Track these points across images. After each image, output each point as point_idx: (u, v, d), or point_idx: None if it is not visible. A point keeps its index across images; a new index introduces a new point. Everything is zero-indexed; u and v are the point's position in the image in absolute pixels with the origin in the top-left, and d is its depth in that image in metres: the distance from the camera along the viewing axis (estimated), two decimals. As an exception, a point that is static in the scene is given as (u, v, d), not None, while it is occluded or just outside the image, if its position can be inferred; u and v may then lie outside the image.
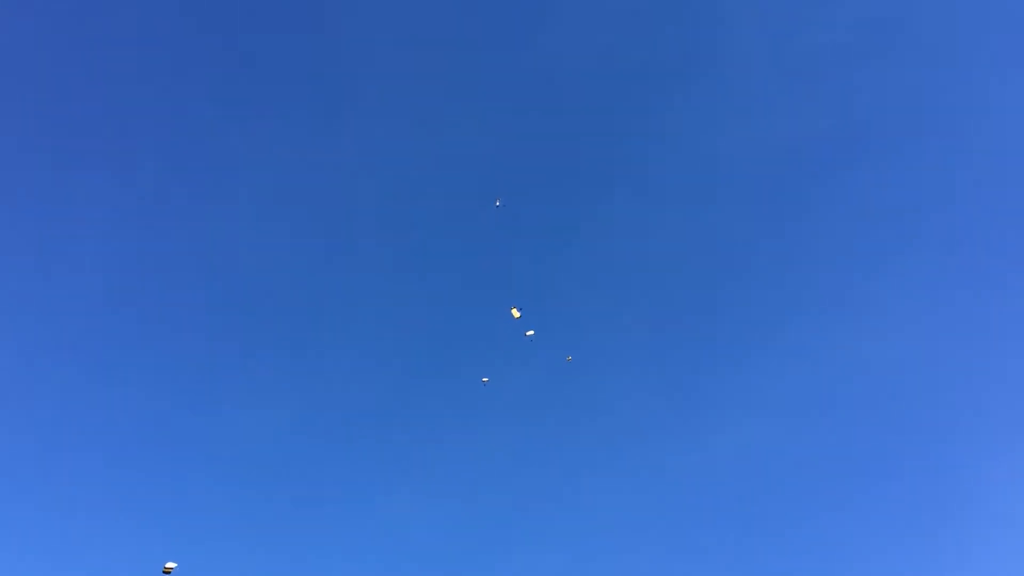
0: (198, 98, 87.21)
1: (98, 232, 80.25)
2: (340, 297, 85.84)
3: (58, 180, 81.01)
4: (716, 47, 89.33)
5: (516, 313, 51.36)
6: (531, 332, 53.13)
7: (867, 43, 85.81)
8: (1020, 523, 65.48)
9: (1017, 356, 72.83)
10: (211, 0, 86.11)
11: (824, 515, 70.05)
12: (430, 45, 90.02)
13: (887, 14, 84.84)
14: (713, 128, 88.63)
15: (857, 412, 74.06)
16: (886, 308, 78.48)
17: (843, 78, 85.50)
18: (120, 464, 71.33)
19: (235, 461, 73.67)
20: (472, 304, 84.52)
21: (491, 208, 67.68)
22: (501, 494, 73.57)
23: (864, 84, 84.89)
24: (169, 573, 41.58)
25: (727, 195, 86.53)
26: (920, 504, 69.15)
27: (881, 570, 65.57)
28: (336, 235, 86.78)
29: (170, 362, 77.96)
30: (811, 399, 76.00)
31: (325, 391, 79.28)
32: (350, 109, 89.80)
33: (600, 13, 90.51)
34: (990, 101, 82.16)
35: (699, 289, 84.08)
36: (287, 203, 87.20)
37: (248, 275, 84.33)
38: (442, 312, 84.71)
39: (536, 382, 76.95)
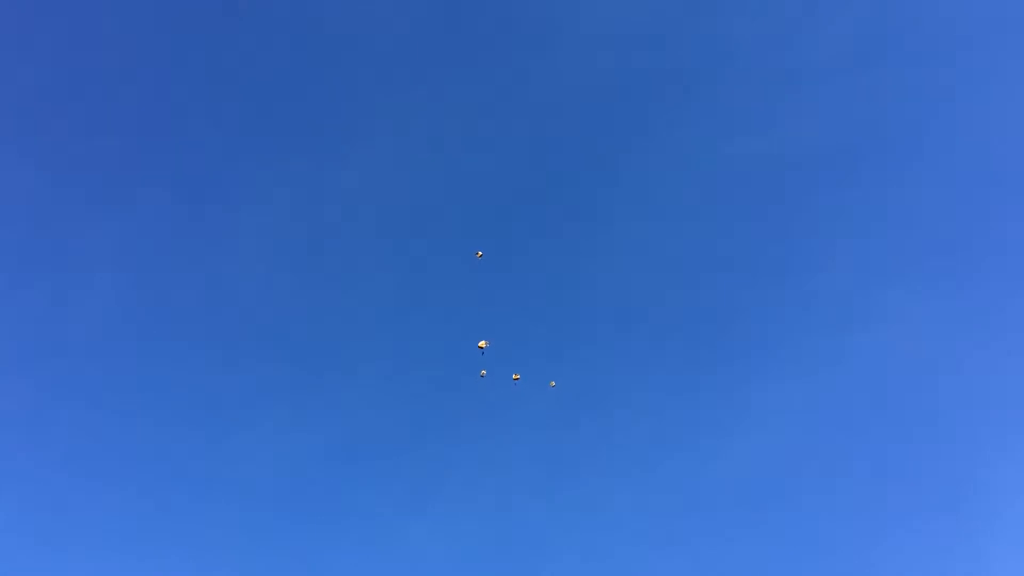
0: (208, 129, 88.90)
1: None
2: (357, 327, 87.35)
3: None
4: (716, 58, 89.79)
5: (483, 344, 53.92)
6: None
7: (868, 51, 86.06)
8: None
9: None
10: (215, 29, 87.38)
11: (833, 519, 71.21)
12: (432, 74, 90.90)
13: (889, 22, 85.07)
14: (716, 139, 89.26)
15: (865, 418, 75.03)
16: (892, 315, 79.10)
17: (844, 85, 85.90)
18: (152, 494, 73.52)
19: (262, 486, 75.56)
20: (487, 323, 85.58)
21: (502, 222, 70.19)
22: (523, 509, 74.90)
23: (865, 91, 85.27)
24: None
25: (731, 206, 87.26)
26: (930, 509, 70.10)
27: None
28: (357, 262, 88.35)
29: (192, 393, 79.83)
30: (818, 407, 77.00)
31: (345, 420, 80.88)
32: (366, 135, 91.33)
33: (601, 25, 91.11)
34: (992, 105, 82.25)
35: (705, 299, 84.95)
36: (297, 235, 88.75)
37: (263, 309, 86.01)
38: (455, 335, 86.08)
39: (553, 402, 78.10)
